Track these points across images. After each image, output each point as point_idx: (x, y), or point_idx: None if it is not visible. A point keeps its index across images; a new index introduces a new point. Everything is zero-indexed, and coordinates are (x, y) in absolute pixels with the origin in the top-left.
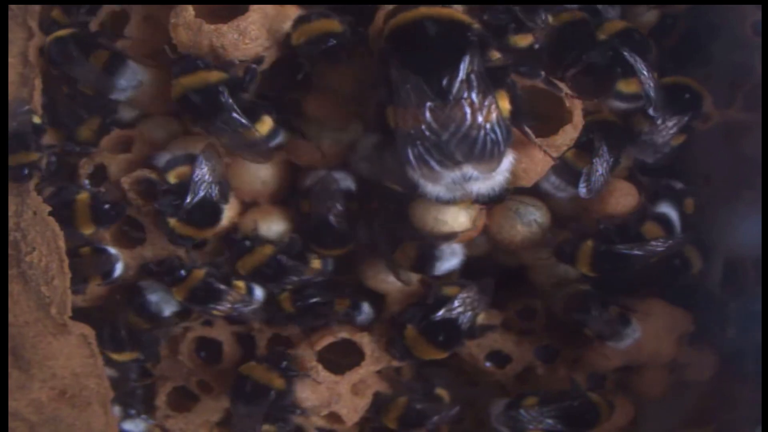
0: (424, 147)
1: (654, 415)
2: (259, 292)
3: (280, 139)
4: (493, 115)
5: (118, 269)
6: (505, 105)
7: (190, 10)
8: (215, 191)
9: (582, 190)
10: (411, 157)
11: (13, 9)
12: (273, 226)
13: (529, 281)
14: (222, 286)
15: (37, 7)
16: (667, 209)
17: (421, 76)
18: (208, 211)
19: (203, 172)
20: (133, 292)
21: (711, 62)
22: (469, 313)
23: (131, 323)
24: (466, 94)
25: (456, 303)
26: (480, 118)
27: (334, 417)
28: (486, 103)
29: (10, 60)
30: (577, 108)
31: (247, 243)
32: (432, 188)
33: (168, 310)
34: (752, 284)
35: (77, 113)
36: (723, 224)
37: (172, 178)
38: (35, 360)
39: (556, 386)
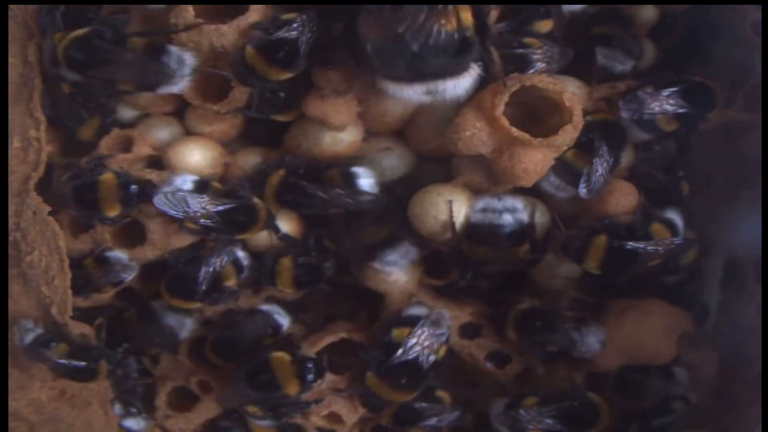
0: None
1: None
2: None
3: None
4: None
5: (130, 276)
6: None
7: (190, 10)
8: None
9: (582, 190)
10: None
11: (13, 9)
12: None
13: (529, 281)
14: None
15: (37, 7)
16: (673, 215)
17: None
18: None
19: None
20: (146, 315)
21: (711, 62)
22: (427, 351)
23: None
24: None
25: (410, 343)
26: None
27: (334, 417)
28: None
29: (10, 60)
30: (577, 108)
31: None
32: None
33: (185, 331)
34: (752, 284)
35: (77, 113)
36: (723, 224)
37: None
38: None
39: (556, 386)
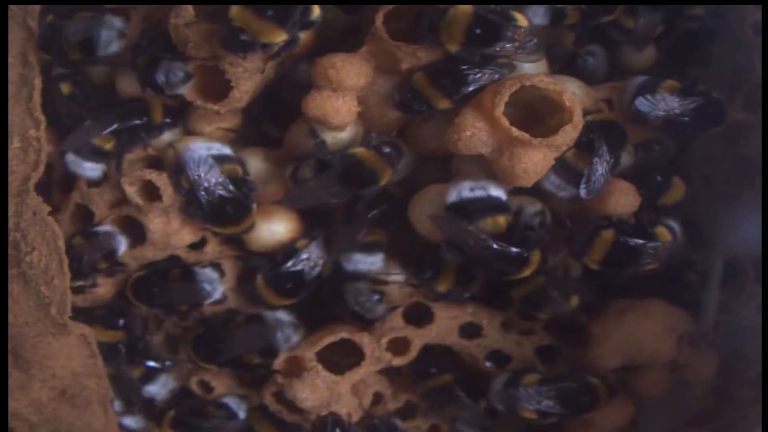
0: None
1: (654, 415)
2: None
3: None
4: None
5: (122, 245)
6: None
7: (190, 10)
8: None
9: (582, 190)
10: None
11: (13, 9)
12: (274, 227)
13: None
14: None
15: (37, 7)
16: (673, 224)
17: None
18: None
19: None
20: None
21: (711, 62)
22: (312, 265)
23: None
24: None
25: (302, 257)
26: None
27: None
28: None
29: (10, 60)
30: (577, 108)
31: None
32: None
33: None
34: (752, 284)
35: (77, 113)
36: (723, 224)
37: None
38: (35, 360)
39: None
